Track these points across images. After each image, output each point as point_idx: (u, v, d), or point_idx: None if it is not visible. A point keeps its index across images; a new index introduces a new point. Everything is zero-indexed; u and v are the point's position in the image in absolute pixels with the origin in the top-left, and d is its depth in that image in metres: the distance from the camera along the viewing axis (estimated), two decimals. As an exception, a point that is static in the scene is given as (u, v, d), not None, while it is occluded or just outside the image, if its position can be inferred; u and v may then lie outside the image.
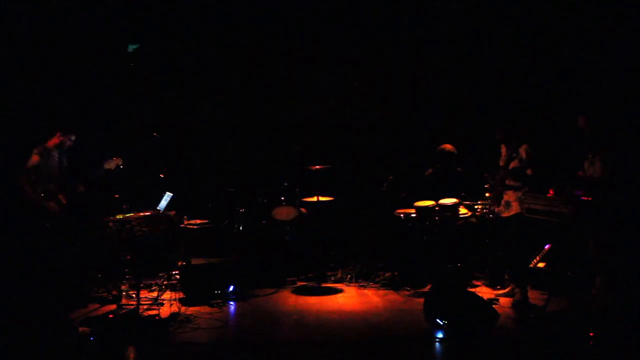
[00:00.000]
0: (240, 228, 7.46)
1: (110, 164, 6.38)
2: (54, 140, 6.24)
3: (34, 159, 6.06)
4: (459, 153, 7.32)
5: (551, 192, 5.60)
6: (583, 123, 5.50)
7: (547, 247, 5.84)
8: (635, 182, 5.34)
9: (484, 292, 6.56)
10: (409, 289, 6.84)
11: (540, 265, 5.77)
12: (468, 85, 8.42)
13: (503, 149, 6.32)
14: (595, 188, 5.27)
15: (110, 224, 6.00)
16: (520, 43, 7.98)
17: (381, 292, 6.86)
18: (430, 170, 7.40)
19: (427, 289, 6.60)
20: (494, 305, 5.72)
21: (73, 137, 6.32)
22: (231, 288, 6.64)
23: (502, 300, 6.26)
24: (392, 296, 6.69)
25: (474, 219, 6.98)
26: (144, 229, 6.01)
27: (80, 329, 5.42)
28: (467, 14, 8.22)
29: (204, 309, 6.16)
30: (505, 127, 6.26)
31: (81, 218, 6.56)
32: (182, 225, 7.03)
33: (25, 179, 6.00)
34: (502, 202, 6.27)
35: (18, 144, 6.59)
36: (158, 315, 5.83)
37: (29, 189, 6.00)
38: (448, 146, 7.25)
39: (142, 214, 6.28)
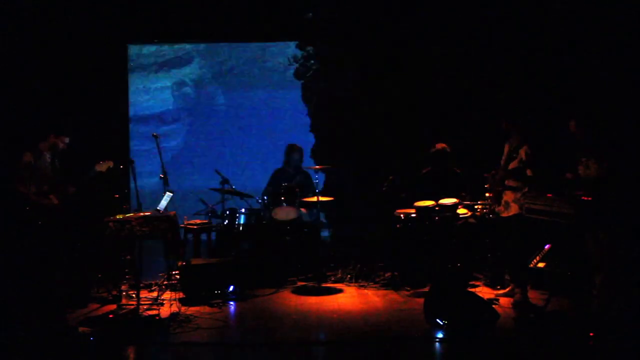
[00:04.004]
0: (240, 228, 7.45)
1: (102, 167, 6.37)
2: (47, 142, 6.24)
3: (26, 157, 6.07)
4: (458, 153, 7.33)
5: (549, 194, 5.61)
6: (574, 127, 5.50)
7: (547, 247, 5.85)
8: (634, 183, 5.35)
9: (484, 292, 6.56)
10: (409, 289, 6.84)
11: (540, 265, 5.78)
12: (468, 85, 8.44)
13: (506, 148, 6.31)
14: (592, 189, 5.27)
15: (110, 224, 5.99)
16: (522, 43, 8.00)
17: (381, 292, 6.86)
18: (426, 169, 7.41)
19: (427, 289, 6.59)
20: (494, 305, 5.73)
21: (66, 140, 6.31)
22: (231, 288, 6.64)
23: (502, 300, 6.26)
24: (392, 296, 6.68)
25: (472, 219, 6.97)
26: (144, 229, 6.00)
27: (80, 329, 5.42)
28: (469, 14, 8.24)
29: (204, 309, 6.15)
30: (511, 119, 6.25)
31: (78, 218, 6.55)
32: (182, 225, 7.02)
33: (18, 177, 6.02)
34: (502, 202, 6.27)
35: (11, 145, 6.59)
36: (158, 315, 5.83)
37: (22, 188, 6.01)
38: (440, 145, 7.28)
39: (142, 214, 6.27)
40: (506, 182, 6.17)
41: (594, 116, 5.59)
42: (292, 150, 7.92)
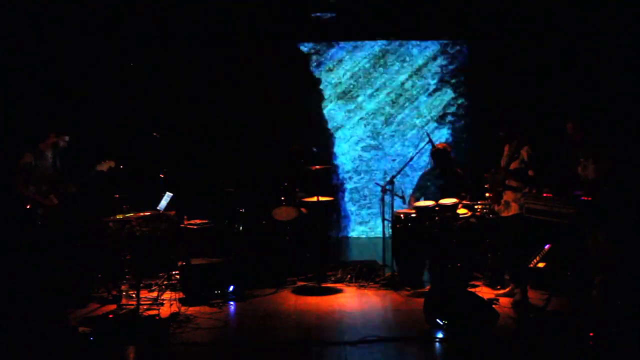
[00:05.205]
0: (240, 228, 7.46)
1: (103, 166, 6.37)
2: (48, 142, 6.24)
3: (26, 157, 6.08)
4: (458, 154, 7.35)
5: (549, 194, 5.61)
6: (572, 129, 5.50)
7: (547, 247, 5.85)
8: (633, 183, 5.36)
9: (484, 292, 6.56)
10: (409, 289, 6.84)
11: (540, 265, 5.78)
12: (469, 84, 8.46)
13: (506, 149, 6.32)
14: (591, 189, 5.27)
15: (110, 224, 5.99)
16: (524, 44, 8.00)
17: (381, 292, 6.85)
18: (427, 171, 7.42)
19: (427, 289, 6.60)
20: (494, 305, 5.72)
21: (67, 139, 6.31)
22: (231, 288, 6.64)
23: (502, 300, 6.25)
24: (392, 296, 6.68)
25: (473, 219, 6.98)
26: (144, 229, 6.00)
27: (80, 329, 5.42)
28: (470, 15, 8.25)
29: (204, 309, 6.15)
30: (510, 124, 6.26)
31: (78, 218, 6.55)
32: (182, 225, 7.03)
33: (18, 177, 6.02)
34: (502, 202, 6.27)
35: (12, 144, 6.59)
36: (158, 315, 5.83)
37: (22, 187, 6.01)
38: (441, 145, 7.28)
39: (142, 214, 6.28)
40: (507, 182, 6.17)
41: (591, 117, 5.59)
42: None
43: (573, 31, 7.42)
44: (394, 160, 9.24)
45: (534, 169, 6.04)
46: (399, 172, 7.55)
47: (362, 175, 9.42)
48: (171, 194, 6.54)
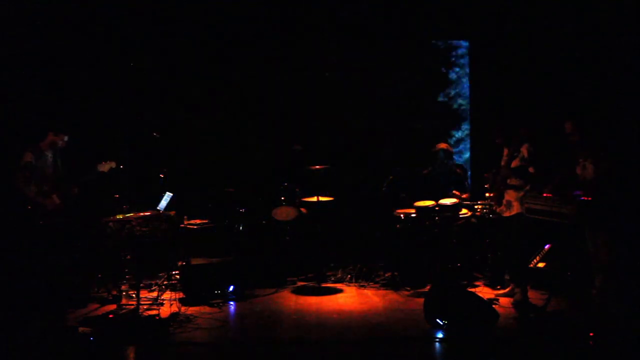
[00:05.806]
0: (240, 228, 7.46)
1: (104, 167, 6.38)
2: (47, 141, 6.24)
3: (27, 156, 6.07)
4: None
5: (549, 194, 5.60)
6: (570, 128, 5.50)
7: (547, 247, 5.85)
8: (633, 182, 5.35)
9: (484, 292, 6.56)
10: (409, 289, 6.84)
11: (540, 265, 5.78)
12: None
13: (505, 150, 6.32)
14: (591, 189, 5.27)
15: (110, 224, 5.99)
16: (522, 43, 8.00)
17: (381, 292, 6.86)
18: (427, 170, 7.41)
19: (427, 289, 6.60)
20: (494, 305, 5.73)
21: (65, 138, 6.30)
22: (231, 288, 6.64)
23: (502, 300, 6.26)
24: (392, 296, 6.68)
25: (473, 219, 6.98)
26: (144, 229, 6.00)
27: (80, 329, 5.43)
28: (468, 17, 8.25)
29: (204, 309, 6.16)
30: (504, 131, 6.25)
31: (78, 218, 6.55)
32: (182, 225, 7.03)
33: (19, 177, 6.02)
34: (504, 202, 6.26)
35: (12, 144, 6.59)
36: (158, 315, 5.83)
37: (23, 187, 6.01)
38: (443, 145, 7.28)
39: (142, 214, 6.27)
40: (508, 181, 6.17)
41: (589, 117, 5.58)
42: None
43: (573, 31, 7.42)
44: None
45: (535, 166, 6.04)
46: (399, 173, 7.54)
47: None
48: (171, 194, 6.54)
